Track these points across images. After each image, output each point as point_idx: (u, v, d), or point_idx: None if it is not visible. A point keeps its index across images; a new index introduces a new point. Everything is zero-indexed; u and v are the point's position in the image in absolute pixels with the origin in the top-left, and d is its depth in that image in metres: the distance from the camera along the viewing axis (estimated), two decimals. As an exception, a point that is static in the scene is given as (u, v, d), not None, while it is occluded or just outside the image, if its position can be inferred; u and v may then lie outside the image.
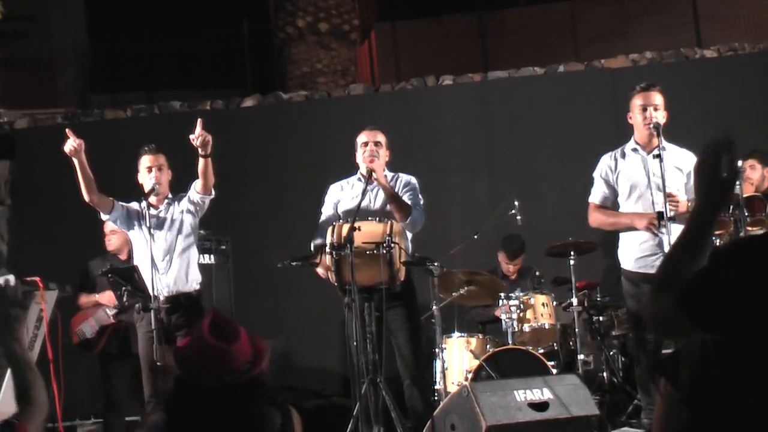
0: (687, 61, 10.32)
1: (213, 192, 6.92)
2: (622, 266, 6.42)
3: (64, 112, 11.60)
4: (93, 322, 7.66)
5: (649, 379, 6.16)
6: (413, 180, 7.06)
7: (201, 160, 6.73)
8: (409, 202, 6.74)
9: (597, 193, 6.50)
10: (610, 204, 6.44)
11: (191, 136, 6.61)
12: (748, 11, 14.93)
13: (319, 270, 6.52)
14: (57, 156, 6.82)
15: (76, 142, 6.64)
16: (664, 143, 6.30)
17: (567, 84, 10.18)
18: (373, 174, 6.51)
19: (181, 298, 6.86)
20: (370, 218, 6.48)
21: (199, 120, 6.68)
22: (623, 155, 6.42)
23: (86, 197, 6.86)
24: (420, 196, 6.97)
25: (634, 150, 6.33)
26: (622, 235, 6.41)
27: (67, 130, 6.71)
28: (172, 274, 6.87)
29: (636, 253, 6.26)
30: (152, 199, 6.91)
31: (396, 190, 6.89)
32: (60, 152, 6.80)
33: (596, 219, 6.51)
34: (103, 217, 7.00)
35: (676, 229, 5.98)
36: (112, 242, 7.79)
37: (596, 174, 6.52)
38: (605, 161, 6.49)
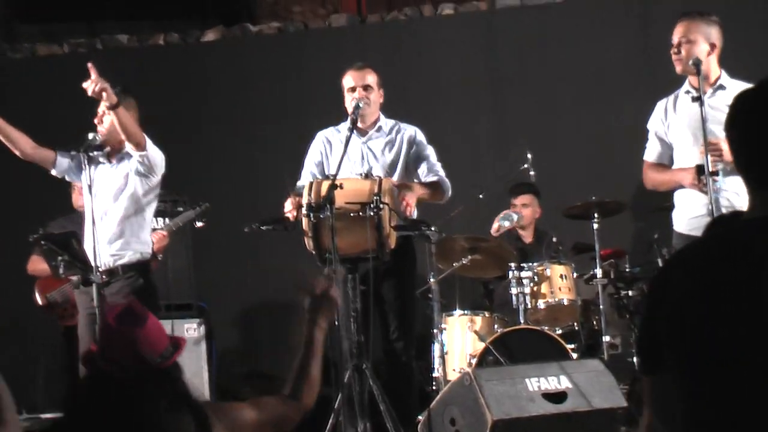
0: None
1: (149, 146, 6.70)
2: (674, 228, 6.42)
3: (-13, 47, 11.49)
4: (69, 288, 7.57)
5: None
6: (419, 136, 7.01)
7: (111, 114, 6.50)
8: (429, 173, 6.82)
9: (651, 150, 6.50)
10: (667, 159, 6.43)
11: (84, 85, 6.38)
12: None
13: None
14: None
15: None
16: (725, 79, 6.20)
17: (589, 12, 10.06)
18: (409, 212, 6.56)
19: (119, 269, 6.77)
20: (355, 174, 6.45)
21: (89, 65, 6.40)
22: (675, 100, 6.35)
23: (21, 156, 6.79)
24: (432, 150, 6.97)
25: (687, 92, 6.24)
26: (676, 194, 6.39)
27: None
28: (111, 240, 6.76)
29: (688, 213, 6.24)
30: (108, 150, 6.85)
31: (399, 147, 6.89)
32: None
33: (649, 179, 6.54)
34: (52, 172, 6.92)
35: (731, 182, 5.87)
36: (80, 201, 7.63)
37: (649, 126, 6.50)
38: (657, 111, 6.45)
